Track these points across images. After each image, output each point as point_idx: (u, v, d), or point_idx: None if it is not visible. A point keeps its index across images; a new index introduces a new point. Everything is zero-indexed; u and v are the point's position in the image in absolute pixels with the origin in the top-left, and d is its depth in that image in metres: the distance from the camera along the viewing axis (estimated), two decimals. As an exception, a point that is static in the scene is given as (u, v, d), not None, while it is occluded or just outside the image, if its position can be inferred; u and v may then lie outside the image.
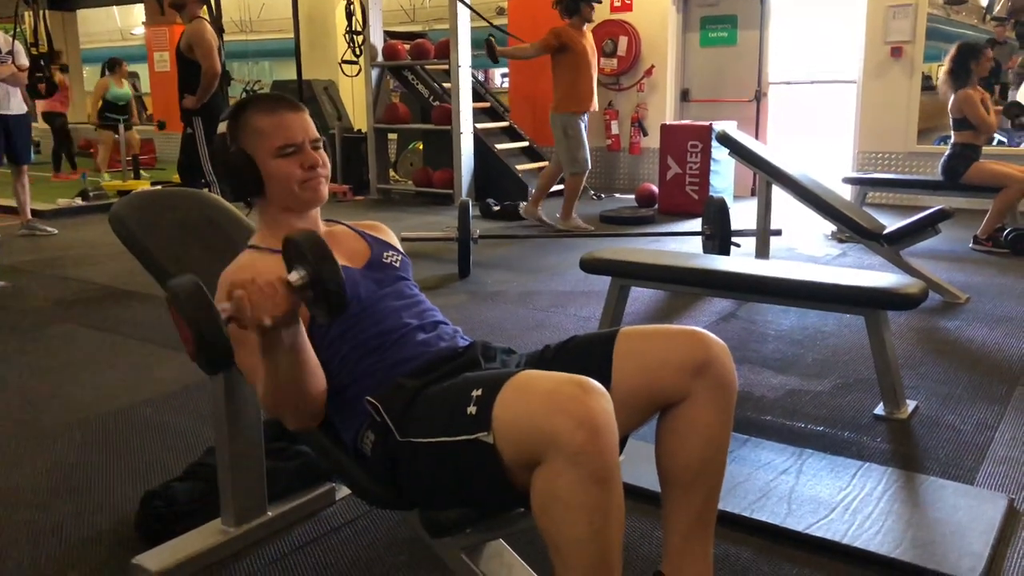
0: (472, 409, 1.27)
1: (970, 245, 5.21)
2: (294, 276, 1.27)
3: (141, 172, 9.66)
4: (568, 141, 5.99)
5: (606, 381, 1.40)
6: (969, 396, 2.81)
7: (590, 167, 6.15)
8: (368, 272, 1.64)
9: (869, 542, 1.87)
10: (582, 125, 6.00)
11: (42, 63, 5.88)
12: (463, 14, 7.31)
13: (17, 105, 5.81)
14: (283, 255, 1.33)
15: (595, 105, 6.09)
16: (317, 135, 1.63)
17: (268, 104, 1.61)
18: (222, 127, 1.62)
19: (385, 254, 1.70)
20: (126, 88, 9.97)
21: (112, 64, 9.87)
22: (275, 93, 1.68)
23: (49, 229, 6.30)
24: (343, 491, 2.14)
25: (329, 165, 1.66)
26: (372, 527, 2.02)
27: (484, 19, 7.48)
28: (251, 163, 1.58)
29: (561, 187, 6.88)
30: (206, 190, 3.52)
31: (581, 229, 6.02)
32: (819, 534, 1.91)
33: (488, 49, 6.25)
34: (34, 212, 6.45)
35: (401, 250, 1.76)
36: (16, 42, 5.85)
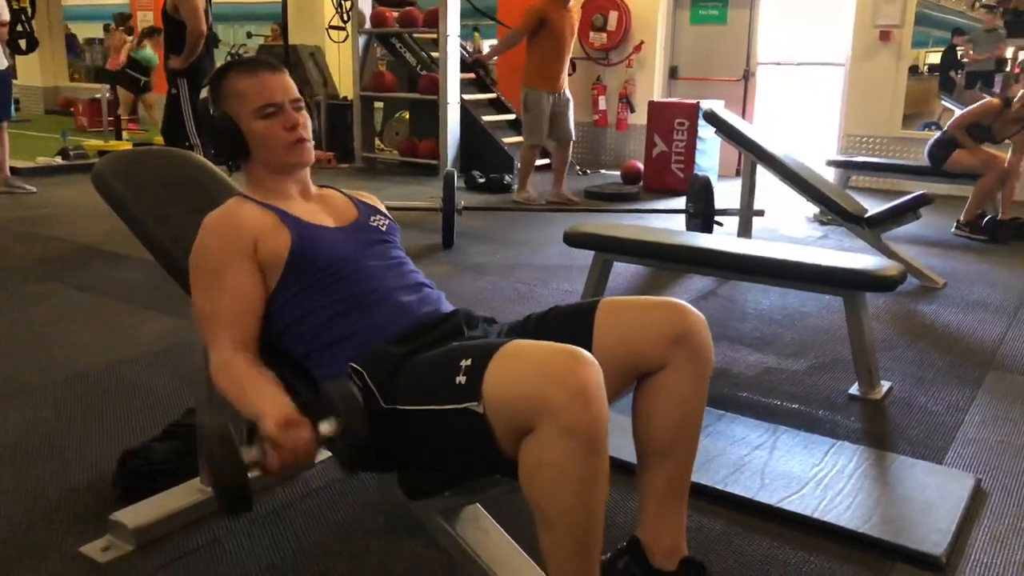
0: (461, 379, 1.27)
1: (952, 230, 5.27)
2: (325, 428, 1.32)
3: (123, 133, 9.55)
4: (527, 114, 6.07)
5: (587, 350, 1.42)
6: (942, 379, 2.86)
7: (543, 145, 6.20)
8: (352, 232, 1.65)
9: (839, 517, 1.91)
10: (549, 102, 5.98)
11: (23, 18, 5.77)
12: (453, -17, 7.23)
13: (-3, 61, 5.71)
14: (319, 406, 1.34)
15: (564, 86, 6.07)
16: (298, 96, 1.64)
17: (247, 66, 1.63)
18: (205, 92, 1.64)
19: (372, 217, 1.71)
20: (155, 55, 10.01)
21: (152, 31, 10.01)
22: (255, 56, 1.70)
23: (28, 187, 6.22)
24: (322, 454, 2.15)
25: (311, 126, 1.66)
26: (350, 490, 2.04)
27: (478, 8, 7.41)
28: (234, 126, 1.60)
29: (545, 161, 6.91)
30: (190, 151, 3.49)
31: (533, 201, 6.11)
32: (791, 508, 1.95)
33: (476, 65, 6.25)
34: (13, 170, 6.36)
35: (389, 216, 1.77)
36: (-3, -5, 5.74)
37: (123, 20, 11.06)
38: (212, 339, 1.51)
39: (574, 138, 6.30)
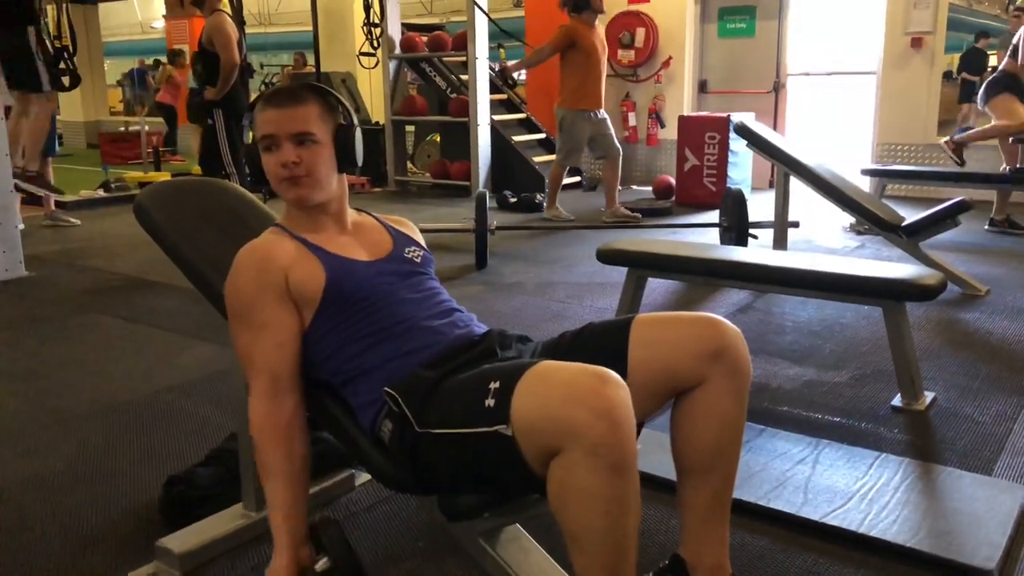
0: (490, 402, 1.28)
1: (985, 227, 5.26)
2: (320, 564, 1.47)
3: (162, 164, 9.76)
4: (562, 135, 6.06)
5: (622, 368, 1.42)
6: (988, 388, 2.80)
7: (586, 171, 6.16)
8: (387, 264, 1.66)
9: (885, 531, 1.88)
10: (588, 123, 5.96)
11: (65, 55, 5.93)
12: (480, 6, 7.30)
13: (41, 98, 5.86)
14: (311, 538, 1.50)
15: (602, 104, 6.05)
16: (304, 130, 1.56)
17: (269, 96, 1.62)
18: (247, 119, 1.67)
19: (407, 249, 1.72)
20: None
21: (172, 57, 10.24)
22: (291, 85, 1.70)
23: (72, 220, 6.38)
24: (362, 478, 2.17)
25: (314, 163, 1.57)
26: (391, 513, 2.04)
27: (495, 23, 7.46)
28: (256, 155, 1.62)
29: (574, 179, 6.92)
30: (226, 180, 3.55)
31: (562, 218, 6.11)
32: (835, 523, 1.92)
33: (501, 76, 6.30)
34: (57, 203, 6.53)
35: (424, 246, 1.78)
36: (40, 35, 5.90)
37: (174, 56, 11.36)
38: (251, 380, 1.55)
39: (622, 153, 6.25)
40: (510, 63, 6.85)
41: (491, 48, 7.92)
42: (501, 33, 8.02)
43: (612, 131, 6.15)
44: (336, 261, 1.59)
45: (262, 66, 11.11)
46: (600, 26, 6.06)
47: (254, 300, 1.54)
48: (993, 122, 5.26)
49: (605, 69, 6.08)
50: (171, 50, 11.69)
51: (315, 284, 1.55)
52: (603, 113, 6.08)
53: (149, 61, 14.78)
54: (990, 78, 5.39)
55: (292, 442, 1.52)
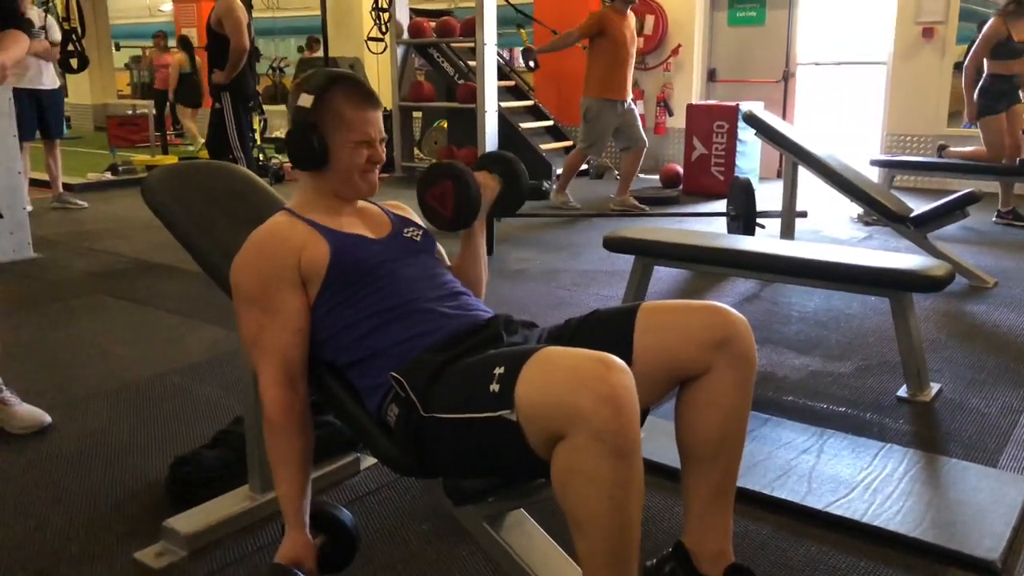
0: (495, 387, 1.28)
1: (993, 219, 5.30)
2: (319, 541, 1.57)
3: (168, 148, 9.77)
4: (585, 124, 5.97)
5: (627, 355, 1.42)
6: (994, 380, 2.79)
7: (595, 160, 6.10)
8: (388, 243, 1.67)
9: (889, 521, 1.88)
10: (614, 113, 5.87)
11: (74, 38, 5.93)
12: (489, -8, 7.25)
13: (50, 80, 5.87)
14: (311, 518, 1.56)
15: (628, 94, 5.96)
16: (384, 133, 1.69)
17: (358, 96, 1.63)
18: (307, 100, 1.61)
19: (406, 229, 1.74)
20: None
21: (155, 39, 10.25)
22: (363, 85, 1.68)
23: (80, 202, 6.39)
24: (368, 461, 2.18)
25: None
26: (396, 496, 2.06)
27: (515, 7, 7.43)
28: (324, 143, 1.61)
29: (582, 167, 6.88)
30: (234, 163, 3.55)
31: (569, 206, 6.09)
32: (839, 512, 1.92)
33: (527, 57, 6.26)
34: (65, 185, 6.55)
35: (423, 226, 1.79)
36: (49, 17, 5.90)
37: (155, 39, 11.34)
38: (260, 364, 1.56)
39: (647, 144, 6.17)
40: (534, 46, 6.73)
41: (504, 34, 7.87)
42: (520, 16, 7.99)
43: (639, 122, 6.06)
44: (340, 236, 1.61)
45: (301, 49, 11.00)
46: (631, 17, 5.93)
47: (269, 284, 1.55)
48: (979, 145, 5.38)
49: (633, 60, 5.95)
50: (155, 34, 11.65)
51: (321, 260, 1.57)
52: (630, 103, 5.99)
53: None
54: (979, 85, 5.25)
55: (308, 428, 1.57)
